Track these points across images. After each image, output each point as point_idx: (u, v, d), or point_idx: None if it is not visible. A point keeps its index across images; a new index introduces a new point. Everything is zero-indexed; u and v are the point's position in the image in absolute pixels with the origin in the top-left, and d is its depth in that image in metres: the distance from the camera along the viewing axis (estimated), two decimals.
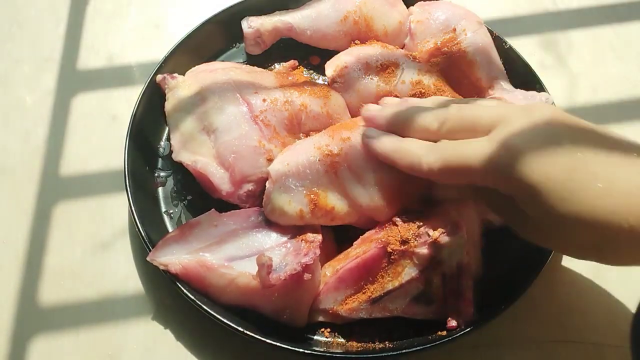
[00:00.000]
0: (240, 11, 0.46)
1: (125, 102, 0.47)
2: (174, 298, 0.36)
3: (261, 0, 0.47)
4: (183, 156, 0.39)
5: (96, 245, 0.41)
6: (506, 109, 0.30)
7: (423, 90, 0.41)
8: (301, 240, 0.35)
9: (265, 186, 0.37)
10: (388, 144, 0.34)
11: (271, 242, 0.35)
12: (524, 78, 0.44)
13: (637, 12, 0.53)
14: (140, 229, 0.37)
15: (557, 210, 0.27)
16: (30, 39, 0.50)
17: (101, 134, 0.46)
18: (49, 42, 0.50)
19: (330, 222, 0.36)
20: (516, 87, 0.44)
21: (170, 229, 0.39)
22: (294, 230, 0.36)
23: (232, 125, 0.38)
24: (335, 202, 0.36)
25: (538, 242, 0.31)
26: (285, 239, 0.35)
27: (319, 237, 0.35)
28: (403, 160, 0.33)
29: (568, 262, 0.40)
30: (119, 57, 0.50)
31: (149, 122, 0.42)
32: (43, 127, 0.46)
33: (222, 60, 0.46)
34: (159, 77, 0.41)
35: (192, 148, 0.39)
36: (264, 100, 0.39)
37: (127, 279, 0.39)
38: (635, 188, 0.26)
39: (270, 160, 0.37)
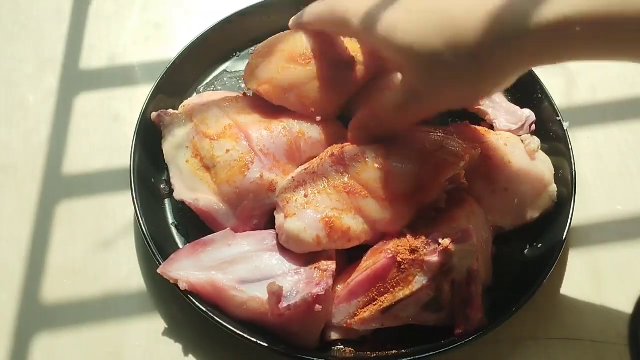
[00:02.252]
0: (240, 20, 0.46)
1: (127, 101, 0.47)
2: (176, 296, 0.37)
3: (263, 6, 0.47)
4: (184, 195, 0.38)
5: (98, 244, 0.41)
6: None
7: None
8: (314, 268, 0.34)
9: (270, 215, 0.37)
10: (293, 20, 0.40)
11: (284, 268, 0.35)
12: (524, 78, 0.44)
13: None
14: (144, 229, 0.37)
15: (432, 45, 0.30)
16: (33, 39, 0.51)
17: (103, 133, 0.46)
18: (52, 42, 0.50)
19: (347, 245, 0.35)
20: (517, 89, 0.44)
21: (175, 236, 0.39)
22: (308, 256, 0.35)
23: (232, 160, 0.37)
24: (350, 222, 0.35)
25: (425, 110, 0.34)
26: (298, 265, 0.35)
27: (333, 266, 0.35)
28: (305, 21, 0.38)
29: (567, 262, 0.40)
30: (121, 57, 0.50)
31: (155, 128, 0.41)
32: (45, 126, 0.46)
33: (225, 70, 0.47)
34: (154, 114, 0.40)
35: (193, 186, 0.38)
36: (261, 129, 0.38)
37: (130, 277, 0.40)
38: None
39: (272, 191, 0.37)
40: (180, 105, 0.41)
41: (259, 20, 0.47)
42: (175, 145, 0.40)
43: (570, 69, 0.50)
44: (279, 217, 0.36)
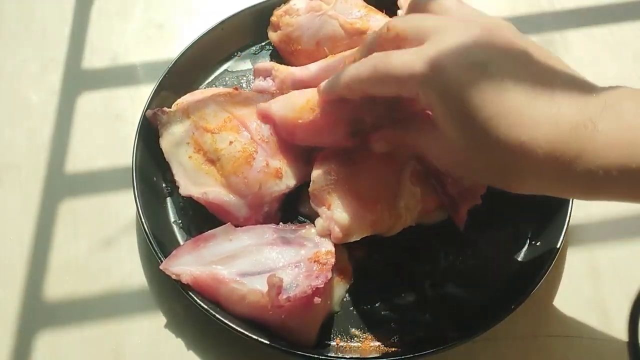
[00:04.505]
0: (242, 20, 0.47)
1: (129, 101, 0.48)
2: (178, 294, 0.37)
3: (264, 6, 0.47)
4: (191, 190, 0.38)
5: (101, 242, 0.41)
6: (444, 21, 0.30)
7: None
8: (314, 262, 0.35)
9: (280, 201, 0.38)
10: (326, 85, 0.35)
11: (284, 261, 0.35)
12: None
13: (632, 12, 0.54)
14: (146, 227, 0.37)
15: (473, 134, 0.28)
16: (36, 39, 0.51)
17: (105, 132, 0.46)
18: (55, 42, 0.51)
19: (372, 233, 0.37)
20: None
21: (177, 234, 0.40)
22: (307, 249, 0.36)
23: (237, 152, 0.38)
24: (387, 214, 0.37)
25: (447, 165, 0.32)
26: (298, 258, 0.35)
27: (332, 259, 0.35)
28: (343, 83, 0.33)
29: (566, 260, 0.40)
30: (123, 57, 0.50)
31: (156, 128, 0.42)
32: (48, 125, 0.46)
33: (227, 69, 0.47)
34: (149, 112, 0.41)
35: (199, 180, 0.39)
36: (258, 119, 0.39)
37: (131, 275, 0.40)
38: (547, 117, 0.27)
39: (279, 178, 0.38)
40: (174, 104, 0.42)
41: (260, 20, 0.47)
42: (174, 142, 0.40)
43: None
44: (322, 210, 0.36)
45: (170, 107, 0.42)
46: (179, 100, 0.42)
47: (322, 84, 0.36)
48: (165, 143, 0.40)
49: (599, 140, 0.26)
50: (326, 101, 0.36)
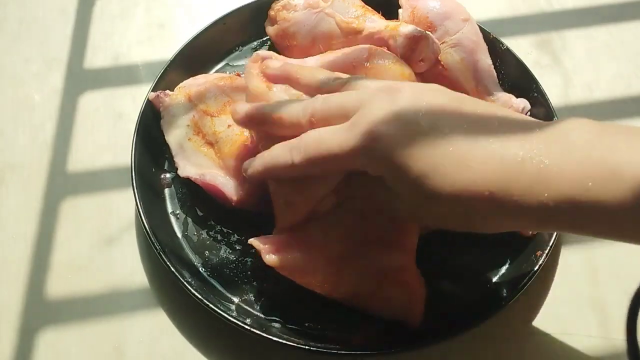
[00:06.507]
0: (244, 14, 0.48)
1: (131, 100, 0.48)
2: (179, 292, 0.37)
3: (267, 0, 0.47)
4: (189, 171, 0.39)
5: (103, 240, 0.41)
6: (368, 93, 0.31)
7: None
8: None
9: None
10: (258, 165, 0.33)
11: None
12: (521, 78, 0.45)
13: (630, 12, 0.54)
14: (146, 226, 0.37)
15: (423, 189, 0.28)
16: (39, 38, 0.51)
17: (107, 131, 0.46)
18: (57, 41, 0.51)
19: None
20: (513, 87, 0.45)
21: (175, 226, 0.40)
22: None
23: (234, 135, 0.39)
24: None
25: (411, 220, 0.33)
26: None
27: None
28: (276, 170, 0.32)
29: (563, 256, 0.41)
30: (125, 56, 0.50)
31: (156, 122, 0.42)
32: (51, 124, 0.47)
33: (228, 63, 0.48)
34: (152, 95, 0.41)
35: (197, 162, 0.40)
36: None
37: (133, 273, 0.40)
38: (490, 156, 0.27)
39: None
40: (177, 87, 0.43)
41: (262, 16, 0.47)
42: (175, 124, 0.41)
43: (567, 68, 0.51)
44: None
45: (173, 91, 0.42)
46: (181, 84, 0.43)
47: (246, 168, 0.34)
48: (167, 125, 0.41)
49: (546, 174, 0.26)
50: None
